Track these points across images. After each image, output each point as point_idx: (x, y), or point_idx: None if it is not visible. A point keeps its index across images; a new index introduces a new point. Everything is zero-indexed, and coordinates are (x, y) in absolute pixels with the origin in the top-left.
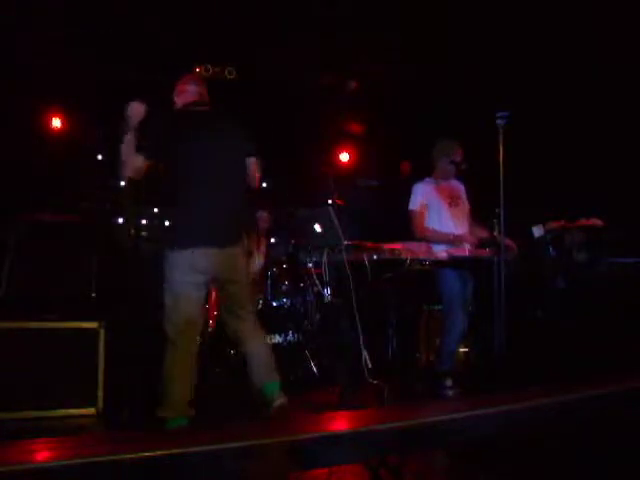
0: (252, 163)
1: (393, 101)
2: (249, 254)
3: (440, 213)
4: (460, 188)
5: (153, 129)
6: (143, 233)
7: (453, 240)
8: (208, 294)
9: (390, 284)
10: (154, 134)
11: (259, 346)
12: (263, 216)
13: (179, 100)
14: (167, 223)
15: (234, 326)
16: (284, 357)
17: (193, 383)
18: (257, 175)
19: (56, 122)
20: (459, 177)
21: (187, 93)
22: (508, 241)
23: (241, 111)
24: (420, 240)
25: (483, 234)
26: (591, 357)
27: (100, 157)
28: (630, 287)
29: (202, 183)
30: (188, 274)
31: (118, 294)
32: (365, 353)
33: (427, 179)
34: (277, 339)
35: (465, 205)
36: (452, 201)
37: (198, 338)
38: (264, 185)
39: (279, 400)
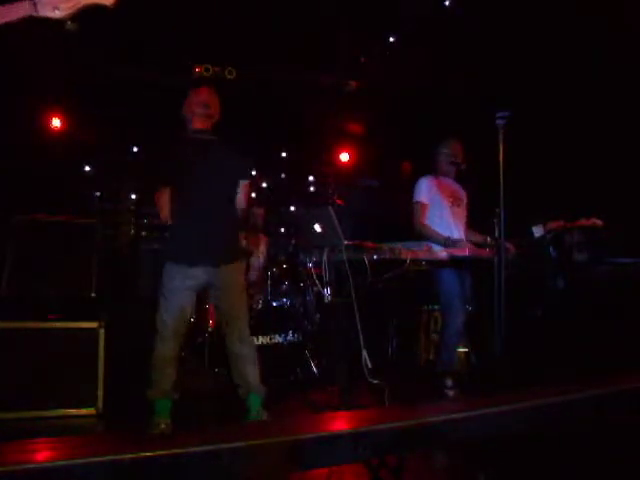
0: (244, 186)
1: (393, 101)
2: (249, 254)
3: (442, 211)
4: (463, 192)
5: (165, 158)
6: (143, 233)
7: (449, 244)
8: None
9: (390, 284)
10: (166, 163)
11: (247, 351)
12: (258, 212)
13: (188, 121)
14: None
15: (227, 331)
16: (284, 357)
17: (176, 369)
18: (245, 196)
19: (56, 122)
20: (459, 177)
21: (197, 119)
22: (506, 243)
23: (241, 111)
24: (418, 232)
25: (478, 239)
26: (591, 357)
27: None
28: (630, 287)
29: (199, 205)
30: (181, 282)
31: (118, 294)
32: (365, 353)
33: (431, 176)
34: (277, 339)
35: (465, 209)
36: (455, 201)
37: (182, 333)
38: (263, 185)
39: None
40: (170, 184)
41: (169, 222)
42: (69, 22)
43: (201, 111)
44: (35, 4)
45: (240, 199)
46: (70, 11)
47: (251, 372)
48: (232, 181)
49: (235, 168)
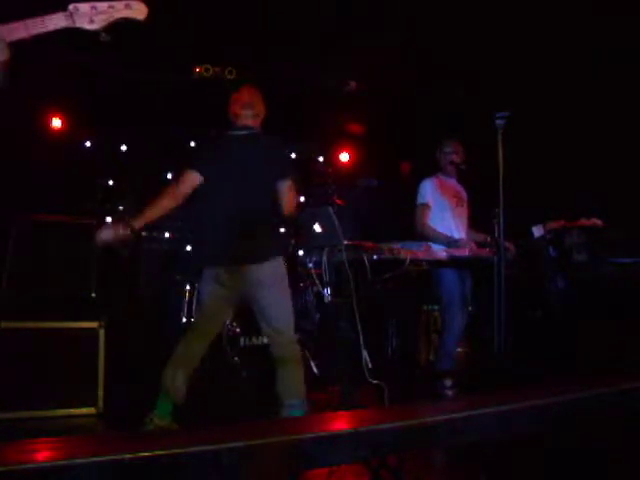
0: (285, 187)
1: (393, 101)
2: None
3: (444, 211)
4: (464, 193)
5: (206, 149)
6: (143, 233)
7: (451, 244)
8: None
9: (390, 284)
10: (206, 153)
11: (288, 369)
12: None
13: (231, 118)
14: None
15: (270, 341)
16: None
17: (191, 374)
18: (290, 199)
19: (56, 122)
20: (459, 177)
21: (241, 120)
22: (506, 243)
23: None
24: (420, 234)
25: (480, 238)
26: (591, 357)
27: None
28: (630, 287)
29: (227, 204)
30: (212, 286)
31: (118, 294)
32: (365, 353)
33: (433, 176)
34: None
35: (467, 209)
36: (458, 201)
37: (207, 343)
38: None
39: None
40: (203, 173)
41: (178, 203)
42: (103, 34)
43: (245, 112)
44: (72, 15)
45: (286, 203)
46: (104, 23)
47: (297, 379)
48: (269, 179)
49: (274, 166)
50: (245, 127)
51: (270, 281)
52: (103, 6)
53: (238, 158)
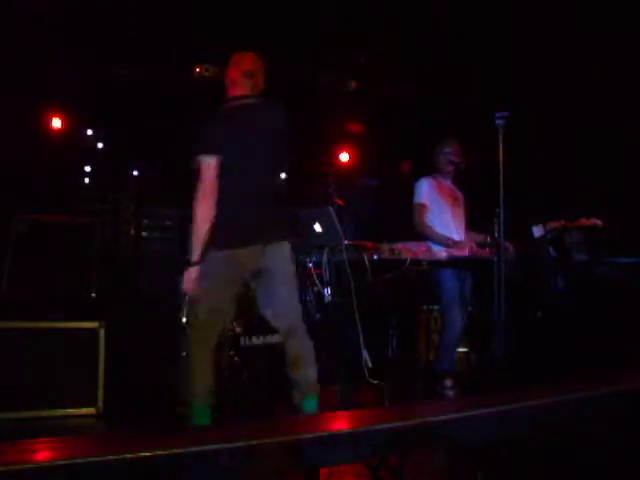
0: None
1: (393, 101)
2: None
3: (442, 211)
4: (460, 194)
5: (212, 127)
6: (143, 233)
7: (451, 245)
8: None
9: (390, 284)
10: (213, 131)
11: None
12: None
13: (229, 89)
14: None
15: (278, 325)
16: (284, 357)
17: (214, 374)
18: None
19: (56, 122)
20: (459, 177)
21: (238, 87)
22: (506, 243)
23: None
24: (420, 233)
25: (480, 238)
26: (591, 357)
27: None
28: (630, 287)
29: (242, 182)
30: (224, 268)
31: (118, 294)
32: (365, 353)
33: (430, 176)
34: (277, 339)
35: (463, 210)
36: (454, 202)
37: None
38: None
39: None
40: (218, 153)
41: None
42: None
43: (244, 81)
44: None
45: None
46: None
47: (311, 374)
48: (279, 147)
49: (277, 126)
50: (246, 96)
51: (287, 263)
52: None
53: (247, 133)
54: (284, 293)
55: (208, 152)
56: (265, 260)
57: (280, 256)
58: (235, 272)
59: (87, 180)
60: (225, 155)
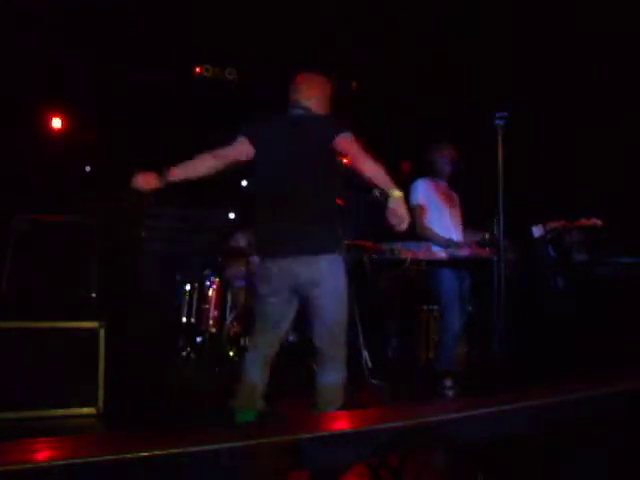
0: (339, 142)
1: (393, 101)
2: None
3: (440, 212)
4: (455, 195)
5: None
6: (143, 233)
7: (451, 246)
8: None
9: (390, 284)
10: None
11: (323, 381)
12: None
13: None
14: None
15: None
16: (284, 357)
17: (264, 382)
18: (348, 150)
19: (56, 122)
20: (458, 178)
21: (290, 99)
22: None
23: (240, 111)
24: (420, 235)
25: (478, 237)
26: (591, 357)
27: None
28: (630, 287)
29: (274, 192)
30: (262, 283)
31: (118, 294)
32: (365, 353)
33: (426, 178)
34: None
35: (459, 210)
36: (451, 203)
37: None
38: None
39: None
40: (252, 140)
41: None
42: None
43: (293, 95)
44: None
45: (358, 166)
46: None
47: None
48: (318, 154)
49: (319, 136)
50: (295, 107)
51: (323, 279)
52: None
53: (284, 137)
54: (313, 311)
55: (243, 134)
56: (297, 274)
57: (314, 270)
58: (264, 284)
59: (87, 180)
60: (260, 153)
